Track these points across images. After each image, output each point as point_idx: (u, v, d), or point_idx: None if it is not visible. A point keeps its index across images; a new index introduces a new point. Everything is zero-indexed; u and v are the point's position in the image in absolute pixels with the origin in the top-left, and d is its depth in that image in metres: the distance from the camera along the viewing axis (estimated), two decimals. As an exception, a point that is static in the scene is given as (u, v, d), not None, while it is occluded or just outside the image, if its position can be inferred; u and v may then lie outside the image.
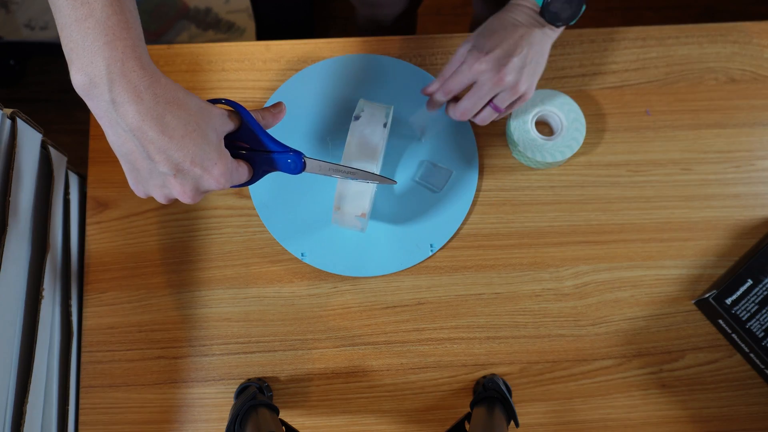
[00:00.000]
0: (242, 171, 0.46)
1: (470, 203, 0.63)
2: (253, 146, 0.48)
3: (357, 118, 0.56)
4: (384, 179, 0.52)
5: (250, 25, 1.25)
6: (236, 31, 1.26)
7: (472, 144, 0.65)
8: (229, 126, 0.45)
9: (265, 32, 1.28)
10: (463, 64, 0.55)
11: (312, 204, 0.63)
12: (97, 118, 0.39)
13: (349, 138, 0.55)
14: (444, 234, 0.62)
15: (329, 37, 0.68)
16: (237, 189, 0.64)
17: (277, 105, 0.50)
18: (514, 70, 0.54)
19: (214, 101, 0.46)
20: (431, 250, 0.62)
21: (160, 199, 0.44)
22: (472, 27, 1.05)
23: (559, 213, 0.64)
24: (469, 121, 0.64)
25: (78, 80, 0.37)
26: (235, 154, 0.47)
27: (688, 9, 1.51)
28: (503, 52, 0.54)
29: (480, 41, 0.55)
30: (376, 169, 0.54)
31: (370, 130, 0.56)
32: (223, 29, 1.25)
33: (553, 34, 0.56)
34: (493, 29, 0.55)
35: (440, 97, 0.58)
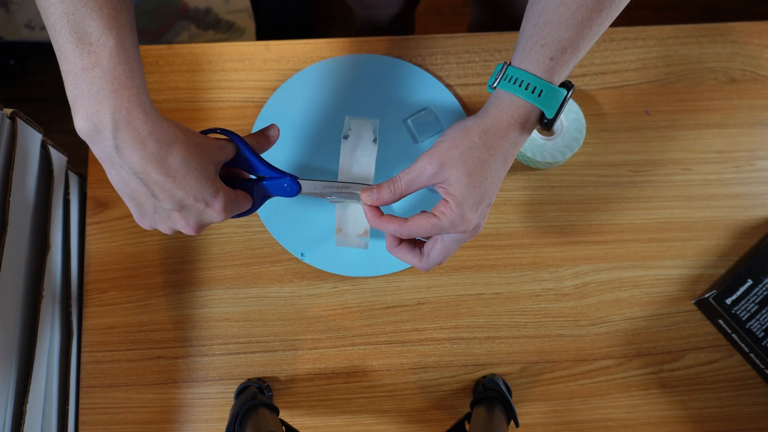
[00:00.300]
0: (241, 201, 0.47)
1: None
2: (248, 172, 0.49)
3: (346, 137, 0.57)
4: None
5: (250, 25, 1.25)
6: (236, 31, 1.26)
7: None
8: (225, 156, 0.46)
9: (265, 32, 1.28)
10: (463, 219, 0.45)
11: (311, 204, 0.63)
12: (99, 161, 0.40)
13: (341, 159, 0.55)
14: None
15: (329, 37, 0.68)
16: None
17: (270, 128, 0.50)
18: (478, 216, 0.46)
19: (210, 131, 0.47)
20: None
21: (165, 231, 0.45)
22: (472, 28, 1.05)
23: (559, 213, 0.64)
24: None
25: (82, 126, 0.38)
26: (234, 185, 0.48)
27: (688, 9, 1.51)
28: (488, 203, 0.46)
29: (454, 179, 0.44)
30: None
31: (360, 151, 0.56)
32: (223, 29, 1.25)
33: (528, 135, 0.47)
34: (483, 169, 0.45)
35: (378, 215, 0.48)
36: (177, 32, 1.25)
